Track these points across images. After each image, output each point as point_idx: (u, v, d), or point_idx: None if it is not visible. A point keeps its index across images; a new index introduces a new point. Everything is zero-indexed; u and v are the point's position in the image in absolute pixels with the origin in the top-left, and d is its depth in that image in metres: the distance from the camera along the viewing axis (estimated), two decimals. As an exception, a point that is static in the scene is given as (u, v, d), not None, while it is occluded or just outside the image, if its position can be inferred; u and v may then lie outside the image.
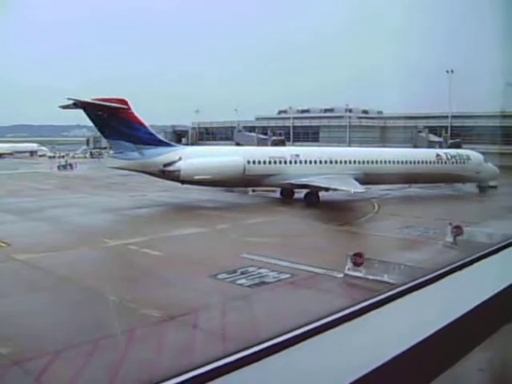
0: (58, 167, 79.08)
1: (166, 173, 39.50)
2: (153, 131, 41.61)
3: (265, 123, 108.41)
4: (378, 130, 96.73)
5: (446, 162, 47.95)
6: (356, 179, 41.17)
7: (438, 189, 51.57)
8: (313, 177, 40.24)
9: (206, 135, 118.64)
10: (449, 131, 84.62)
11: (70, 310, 17.22)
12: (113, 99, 38.95)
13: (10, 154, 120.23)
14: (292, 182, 41.13)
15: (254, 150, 49.96)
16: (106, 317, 15.89)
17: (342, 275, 20.74)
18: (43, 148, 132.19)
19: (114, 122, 38.65)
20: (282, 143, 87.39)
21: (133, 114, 39.58)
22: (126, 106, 39.09)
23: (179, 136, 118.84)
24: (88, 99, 38.77)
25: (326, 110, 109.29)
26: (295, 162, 43.18)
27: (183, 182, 40.42)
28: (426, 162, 47.08)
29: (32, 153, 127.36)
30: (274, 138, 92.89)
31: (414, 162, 46.34)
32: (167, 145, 42.14)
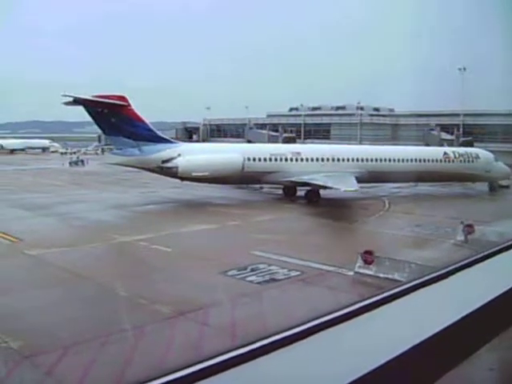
0: (70, 163, 79.50)
1: (164, 169, 39.80)
2: (152, 127, 41.68)
3: (276, 120, 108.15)
4: (389, 127, 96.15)
5: (453, 161, 47.16)
6: (359, 177, 41.17)
7: (449, 187, 51.12)
8: (314, 174, 39.90)
9: (217, 132, 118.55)
10: (461, 129, 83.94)
11: (81, 305, 17.31)
12: (112, 96, 39.21)
13: (23, 150, 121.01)
14: (292, 179, 40.93)
15: (253, 147, 49.78)
16: (117, 312, 16.00)
17: (352, 273, 20.71)
18: (55, 144, 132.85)
19: (113, 119, 38.97)
20: (292, 140, 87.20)
21: (132, 110, 39.82)
22: (125, 103, 39.33)
23: (190, 133, 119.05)
24: (89, 96, 38.95)
25: (337, 108, 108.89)
26: (296, 160, 42.91)
27: (182, 178, 40.57)
28: (433, 161, 46.37)
29: (44, 149, 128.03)
30: (285, 135, 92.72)
31: (420, 160, 45.70)
32: (167, 141, 42.12)
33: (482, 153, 49.67)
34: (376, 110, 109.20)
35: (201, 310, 16.40)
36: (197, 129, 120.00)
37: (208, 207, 38.87)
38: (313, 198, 40.67)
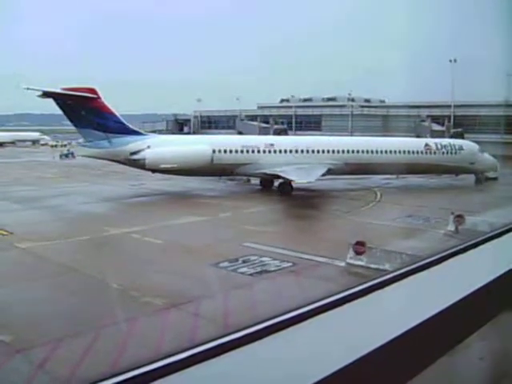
0: (60, 156, 79.02)
1: (132, 161, 40.12)
2: (122, 120, 41.76)
3: (267, 112, 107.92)
4: (380, 118, 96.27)
5: (435, 152, 46.26)
6: (335, 169, 41.48)
7: (439, 179, 51.13)
8: (287, 166, 39.59)
9: (208, 124, 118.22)
10: (452, 120, 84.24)
11: (73, 297, 17.29)
12: (82, 88, 39.36)
13: (12, 142, 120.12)
14: (265, 171, 40.64)
15: (225, 139, 49.33)
16: (109, 304, 16.00)
17: (343, 264, 20.82)
18: (45, 137, 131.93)
19: (82, 111, 39.12)
20: (284, 132, 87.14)
21: (102, 103, 40.01)
22: (95, 95, 39.48)
23: (181, 125, 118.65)
24: (58, 89, 39.22)
25: (328, 99, 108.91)
26: (269, 152, 42.66)
27: (151, 170, 40.65)
28: (413, 152, 45.48)
29: (34, 142, 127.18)
30: (276, 126, 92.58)
31: (400, 152, 44.93)
32: (137, 133, 42.25)
33: (466, 144, 49.03)
34: (367, 101, 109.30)
35: (193, 302, 16.44)
36: (188, 121, 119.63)
37: (199, 199, 38.86)
38: (285, 190, 40.11)
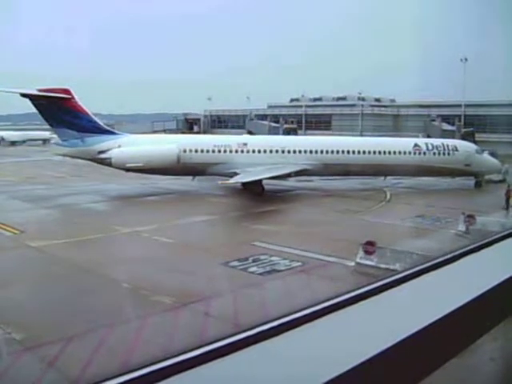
0: (71, 155, 79.25)
1: (99, 160, 41.22)
2: (96, 119, 43.18)
3: (277, 111, 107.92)
4: (390, 118, 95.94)
5: (424, 153, 43.89)
6: (313, 170, 41.19)
7: (450, 179, 50.33)
8: (260, 166, 39.09)
9: (218, 123, 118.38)
10: (462, 120, 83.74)
11: (85, 296, 17.37)
12: (57, 89, 40.52)
13: (24, 141, 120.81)
14: (237, 171, 39.12)
15: (195, 139, 49.32)
16: (120, 303, 16.09)
17: (353, 264, 20.76)
18: (56, 136, 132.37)
19: (57, 111, 40.35)
20: (294, 131, 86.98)
21: (76, 102, 41.15)
22: (69, 96, 40.56)
23: (191, 124, 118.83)
24: (33, 90, 40.47)
25: (338, 99, 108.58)
26: (242, 151, 42.29)
27: (124, 170, 41.15)
28: (400, 153, 43.30)
29: (45, 141, 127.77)
30: (286, 125, 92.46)
31: (384, 153, 42.99)
32: (110, 133, 43.09)
33: (461, 145, 46.63)
34: (377, 100, 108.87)
35: (203, 301, 16.47)
36: (198, 120, 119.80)
37: (209, 198, 38.86)
38: (254, 190, 38.66)
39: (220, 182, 37.20)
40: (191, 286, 18.26)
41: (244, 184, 39.39)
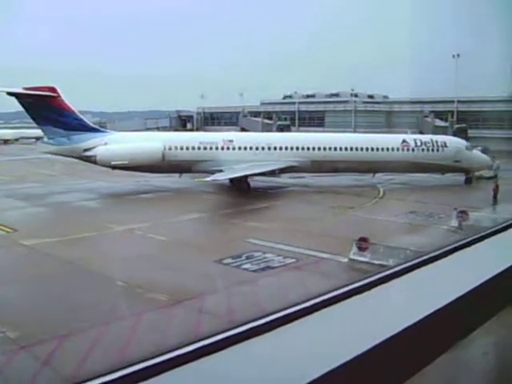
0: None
1: (84, 158, 41.19)
2: (82, 117, 43.19)
3: (270, 108, 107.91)
4: (383, 114, 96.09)
5: (413, 150, 43.66)
6: (299, 167, 41.15)
7: (444, 175, 50.33)
8: (246, 163, 39.22)
9: (211, 120, 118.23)
10: (455, 116, 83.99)
11: (79, 294, 17.33)
12: (42, 87, 40.56)
13: (17, 140, 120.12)
14: (223, 168, 39.08)
15: (181, 136, 49.25)
16: (114, 301, 16.07)
17: (346, 260, 20.82)
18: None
19: (43, 110, 40.31)
20: (287, 128, 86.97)
21: (61, 100, 41.14)
22: (54, 94, 40.58)
23: (184, 121, 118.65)
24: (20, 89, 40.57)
25: (331, 95, 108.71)
26: (227, 148, 42.18)
27: (109, 167, 41.21)
28: (388, 149, 43.29)
29: (38, 139, 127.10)
30: (279, 122, 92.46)
31: (372, 149, 43.01)
32: (96, 131, 43.10)
33: (451, 141, 46.49)
34: (370, 97, 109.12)
35: (197, 298, 16.49)
36: (191, 117, 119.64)
37: (202, 195, 38.76)
38: (241, 187, 39.20)
39: (198, 180, 37.19)
40: (186, 284, 18.29)
41: (231, 181, 39.67)
